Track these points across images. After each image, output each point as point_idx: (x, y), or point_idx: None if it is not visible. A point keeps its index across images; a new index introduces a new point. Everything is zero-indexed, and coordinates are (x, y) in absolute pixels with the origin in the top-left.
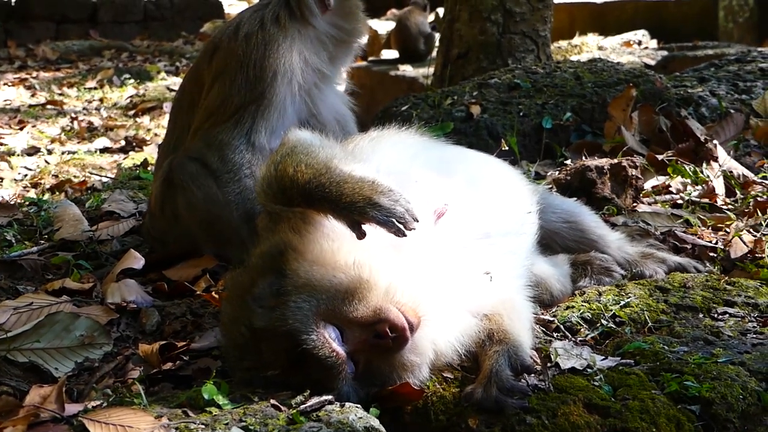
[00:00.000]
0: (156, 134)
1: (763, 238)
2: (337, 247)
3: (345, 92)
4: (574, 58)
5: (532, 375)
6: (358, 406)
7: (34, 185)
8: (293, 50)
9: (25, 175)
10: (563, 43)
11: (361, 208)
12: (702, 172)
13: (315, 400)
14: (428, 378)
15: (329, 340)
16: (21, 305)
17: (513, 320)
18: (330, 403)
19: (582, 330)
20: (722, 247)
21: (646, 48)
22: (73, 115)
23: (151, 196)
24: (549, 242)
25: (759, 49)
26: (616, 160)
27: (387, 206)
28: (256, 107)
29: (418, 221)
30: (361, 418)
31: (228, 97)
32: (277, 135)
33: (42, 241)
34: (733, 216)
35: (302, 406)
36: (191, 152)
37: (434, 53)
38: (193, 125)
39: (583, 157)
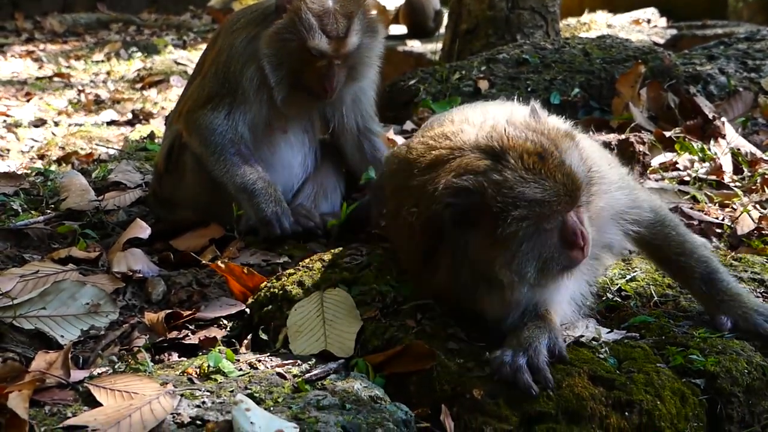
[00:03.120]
0: (163, 107)
1: None
2: None
3: None
4: (582, 35)
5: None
6: (363, 374)
7: (41, 157)
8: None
9: (32, 147)
10: (572, 21)
11: None
12: (709, 149)
13: (320, 368)
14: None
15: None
16: (27, 273)
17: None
18: (335, 372)
19: (588, 303)
20: (729, 223)
21: (655, 26)
22: (80, 88)
23: (158, 155)
24: None
25: None
26: (623, 136)
27: None
28: (232, 99)
29: None
30: (366, 386)
31: (210, 85)
32: (259, 128)
33: (48, 211)
34: (740, 193)
35: (307, 375)
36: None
37: (443, 29)
38: (179, 107)
39: (591, 133)
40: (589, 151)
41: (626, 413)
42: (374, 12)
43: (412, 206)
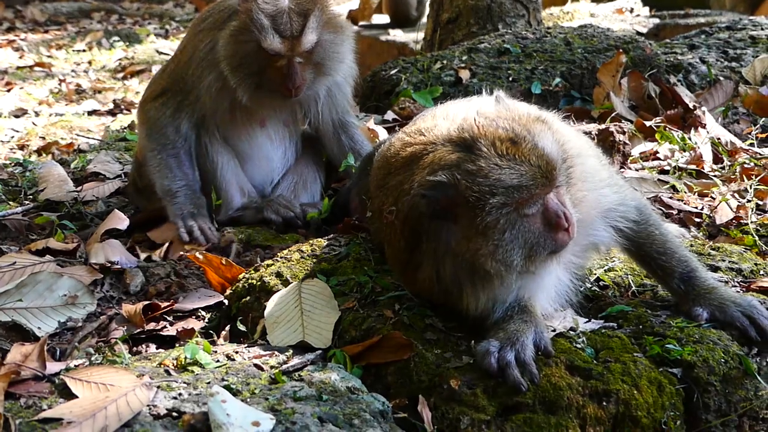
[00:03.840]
0: None
1: (747, 205)
2: None
3: None
4: (565, 24)
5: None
6: (341, 365)
7: (21, 147)
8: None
9: (12, 137)
10: (555, 10)
11: None
12: (690, 138)
13: (297, 359)
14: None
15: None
16: (4, 265)
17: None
18: (312, 363)
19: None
20: (708, 213)
21: (638, 15)
22: (62, 78)
23: (137, 146)
24: None
25: (750, 17)
26: (604, 126)
27: None
28: (183, 98)
29: None
30: (343, 377)
31: (167, 80)
32: (207, 131)
33: (26, 202)
34: (719, 182)
35: (284, 366)
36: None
37: (425, 18)
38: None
39: (572, 123)
40: (581, 149)
41: (603, 403)
42: (334, 8)
43: (391, 205)
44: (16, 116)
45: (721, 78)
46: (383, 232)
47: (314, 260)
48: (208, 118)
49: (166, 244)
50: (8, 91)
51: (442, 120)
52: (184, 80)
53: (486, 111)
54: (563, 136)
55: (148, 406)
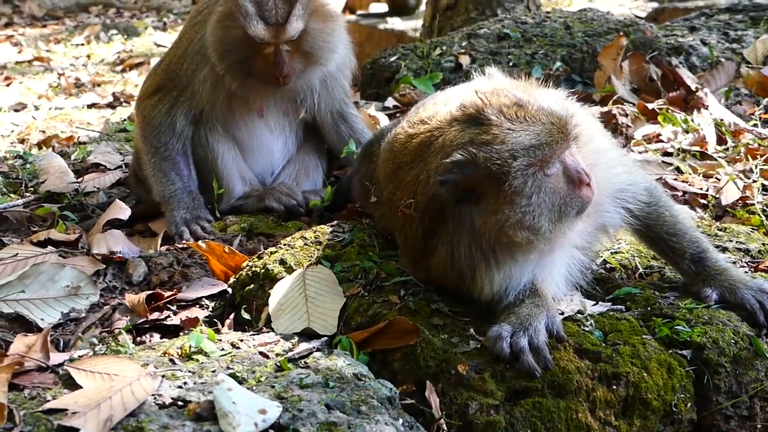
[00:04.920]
0: None
1: (754, 185)
2: None
3: None
4: (564, 9)
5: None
6: (347, 352)
7: (21, 141)
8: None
9: (12, 131)
10: None
11: None
12: (692, 120)
13: (303, 347)
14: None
15: None
16: (6, 256)
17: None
18: (318, 350)
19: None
20: (713, 194)
21: None
22: (60, 71)
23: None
24: None
25: None
26: (606, 109)
27: None
28: (178, 94)
29: None
30: (349, 364)
31: (162, 76)
32: (205, 123)
33: (27, 194)
34: (723, 163)
35: (290, 353)
36: None
37: (423, 6)
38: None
39: None
40: (591, 129)
41: (613, 386)
42: None
43: (409, 198)
44: (16, 110)
45: (723, 59)
46: (394, 222)
47: (318, 247)
48: (207, 112)
49: (160, 237)
50: (8, 85)
51: (442, 106)
52: (179, 75)
53: (482, 87)
54: (577, 115)
55: (153, 395)
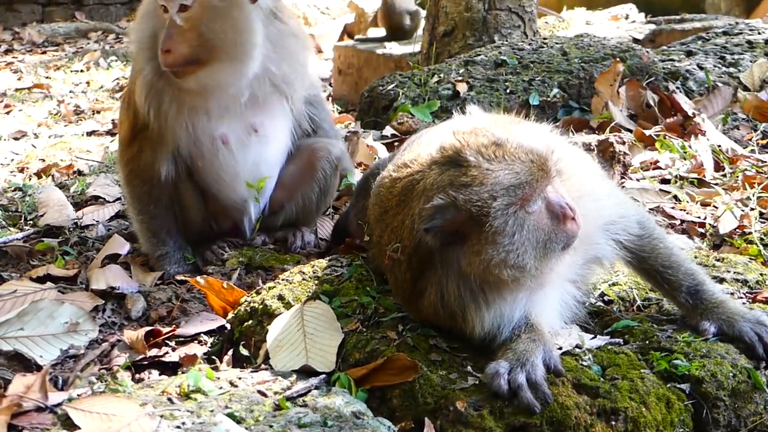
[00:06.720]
0: None
1: (751, 213)
2: None
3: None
4: (561, 33)
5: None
6: (345, 390)
7: (21, 170)
8: None
9: (12, 160)
10: (550, 18)
11: None
12: (690, 146)
13: (301, 384)
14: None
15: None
16: (5, 293)
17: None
18: (316, 387)
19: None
20: (711, 222)
21: (634, 22)
22: (60, 99)
23: None
24: None
25: (746, 21)
26: (603, 136)
27: None
28: (151, 133)
29: None
30: (348, 402)
31: (128, 121)
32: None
33: (27, 227)
34: (721, 191)
35: (288, 392)
36: None
37: (420, 30)
38: None
39: (571, 134)
40: (576, 161)
41: (612, 421)
42: None
43: (396, 242)
44: (16, 138)
45: (720, 84)
46: (385, 264)
47: (316, 282)
48: (182, 150)
49: (156, 275)
50: (7, 113)
51: (425, 147)
52: (141, 113)
53: (461, 127)
54: (559, 150)
55: None
